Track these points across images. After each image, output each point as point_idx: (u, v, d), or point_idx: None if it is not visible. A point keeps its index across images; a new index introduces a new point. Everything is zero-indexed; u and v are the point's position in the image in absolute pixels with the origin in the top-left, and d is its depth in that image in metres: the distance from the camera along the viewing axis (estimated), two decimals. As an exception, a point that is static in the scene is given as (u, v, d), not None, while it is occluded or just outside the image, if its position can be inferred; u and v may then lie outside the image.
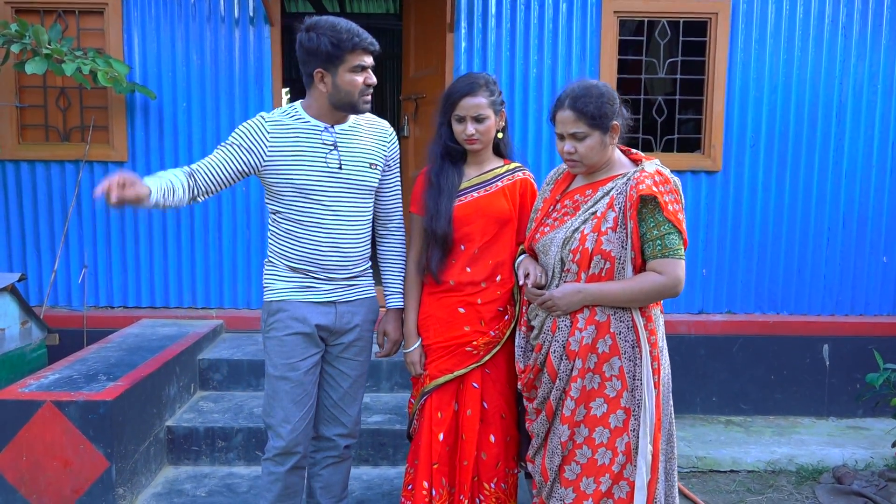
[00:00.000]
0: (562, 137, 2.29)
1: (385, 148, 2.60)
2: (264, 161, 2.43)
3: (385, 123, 2.66)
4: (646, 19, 4.62)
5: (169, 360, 3.63)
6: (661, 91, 4.94)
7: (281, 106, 4.71)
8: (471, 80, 2.53)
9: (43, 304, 4.48)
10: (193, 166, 2.40)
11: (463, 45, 4.54)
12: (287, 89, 9.43)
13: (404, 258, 2.73)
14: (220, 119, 4.56)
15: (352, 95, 2.40)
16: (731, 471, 3.94)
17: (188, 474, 3.51)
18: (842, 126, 4.65)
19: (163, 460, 3.55)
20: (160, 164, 4.56)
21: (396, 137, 2.68)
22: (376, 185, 2.59)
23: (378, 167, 2.57)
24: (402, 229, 2.75)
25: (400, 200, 2.73)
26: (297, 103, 2.51)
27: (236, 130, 2.46)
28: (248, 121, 2.46)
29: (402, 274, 2.73)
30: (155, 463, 3.45)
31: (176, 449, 3.58)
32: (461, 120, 2.51)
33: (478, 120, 2.50)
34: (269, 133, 2.42)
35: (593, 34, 4.56)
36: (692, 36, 4.61)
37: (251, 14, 4.52)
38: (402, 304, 2.71)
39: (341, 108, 2.44)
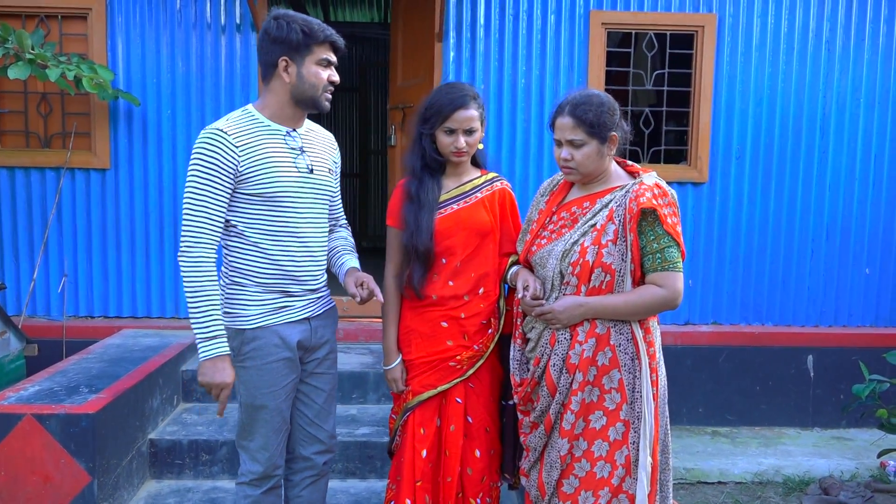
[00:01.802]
0: (559, 144, 2.28)
1: (335, 155, 2.56)
2: (238, 175, 2.24)
3: (329, 133, 2.60)
4: (633, 31, 4.65)
5: (152, 371, 3.56)
6: (648, 102, 4.97)
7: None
8: (462, 92, 2.48)
9: (21, 313, 4.38)
10: (207, 235, 2.21)
11: (451, 54, 4.53)
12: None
13: (351, 237, 2.67)
14: (205, 126, 4.49)
15: (315, 89, 2.29)
16: (719, 482, 3.95)
17: (171, 488, 3.44)
18: (825, 139, 4.71)
19: (145, 474, 3.48)
20: (143, 172, 4.50)
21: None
22: (334, 190, 2.52)
23: (333, 173, 2.51)
24: (348, 222, 2.70)
25: (342, 207, 2.68)
26: (250, 106, 2.36)
27: (203, 160, 2.20)
28: (207, 142, 2.21)
29: (353, 243, 2.64)
30: (137, 477, 3.37)
31: (159, 462, 3.51)
32: (452, 132, 2.45)
33: (469, 133, 2.46)
34: (236, 146, 2.22)
35: (581, 45, 4.57)
36: (679, 48, 4.65)
37: (238, 21, 4.48)
38: (357, 262, 2.57)
39: (303, 102, 2.32)
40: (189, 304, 2.20)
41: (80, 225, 4.52)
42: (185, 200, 2.22)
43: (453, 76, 4.52)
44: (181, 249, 2.21)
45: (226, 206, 2.25)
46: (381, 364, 2.71)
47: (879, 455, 3.80)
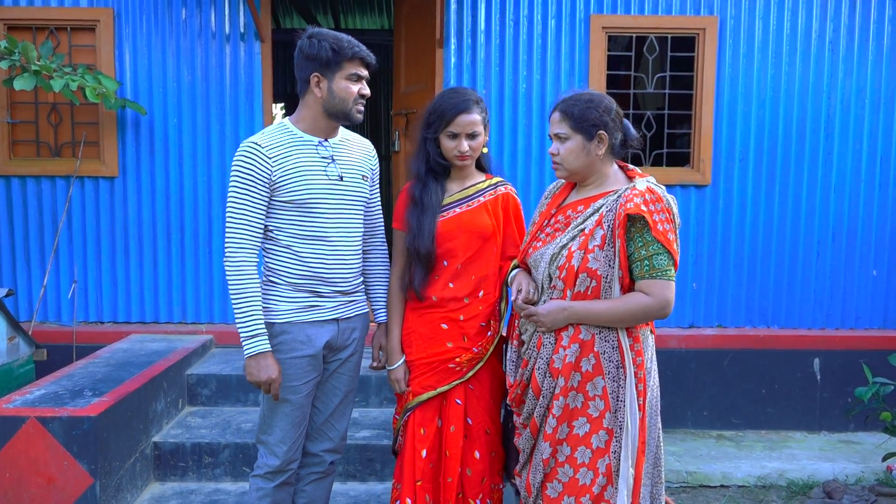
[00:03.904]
0: (551, 139, 2.31)
1: (371, 162, 2.65)
2: (272, 184, 2.39)
3: (367, 141, 2.70)
4: (634, 35, 4.65)
5: (156, 375, 3.62)
6: (651, 106, 4.97)
7: (272, 120, 4.75)
8: (465, 97, 2.52)
9: (32, 319, 4.47)
10: (247, 240, 2.37)
11: (452, 60, 4.57)
12: (282, 104, 9.48)
13: (389, 271, 2.74)
14: (210, 135, 4.58)
15: (346, 103, 2.41)
16: (722, 486, 3.93)
17: (174, 490, 3.49)
18: (830, 140, 4.67)
19: (149, 476, 3.53)
20: (150, 179, 4.58)
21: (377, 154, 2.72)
22: (368, 197, 2.62)
23: (367, 179, 2.60)
24: (385, 242, 2.77)
25: (381, 213, 2.75)
26: (285, 119, 2.50)
27: (240, 172, 2.36)
28: (243, 155, 2.37)
29: (388, 272, 2.73)
30: (141, 479, 3.43)
31: (162, 465, 3.57)
32: (455, 136, 2.49)
33: (471, 137, 2.50)
34: (269, 157, 2.37)
35: (582, 50, 4.59)
36: (680, 51, 4.64)
37: (242, 30, 4.55)
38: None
39: (334, 115, 2.44)
40: (233, 305, 2.38)
41: (89, 232, 4.61)
42: (227, 210, 2.40)
43: (454, 82, 4.56)
44: (225, 255, 2.39)
45: (264, 212, 2.41)
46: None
47: (885, 458, 3.77)
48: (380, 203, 2.73)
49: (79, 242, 4.62)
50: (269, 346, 2.39)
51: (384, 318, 2.72)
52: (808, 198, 4.70)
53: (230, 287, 2.38)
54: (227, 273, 2.38)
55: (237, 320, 2.38)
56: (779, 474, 4.00)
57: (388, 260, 2.76)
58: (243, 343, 2.38)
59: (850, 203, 4.71)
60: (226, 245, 2.39)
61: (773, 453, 4.30)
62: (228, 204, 2.39)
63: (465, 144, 2.49)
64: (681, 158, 4.79)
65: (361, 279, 2.64)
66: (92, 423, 2.98)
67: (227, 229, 2.39)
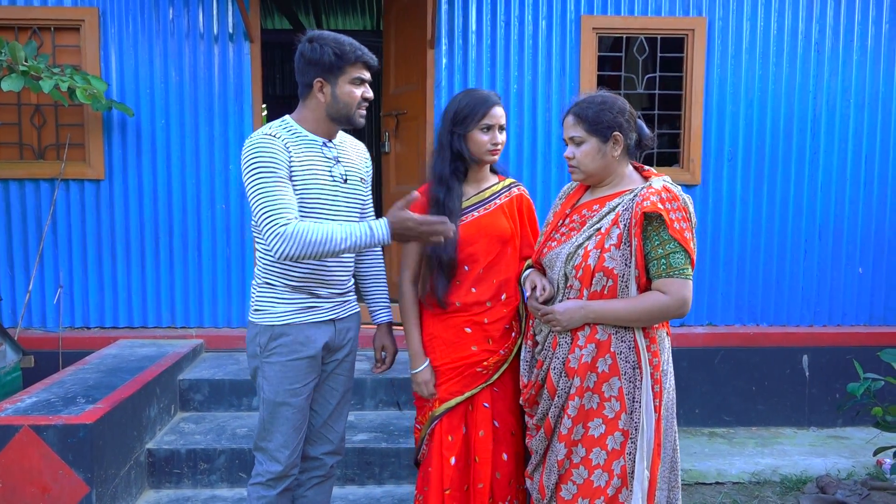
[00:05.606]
0: (566, 143, 2.30)
1: (367, 164, 2.64)
2: (289, 176, 2.31)
3: (361, 143, 2.68)
4: (624, 36, 4.68)
5: (149, 381, 3.56)
6: (640, 106, 4.99)
7: (261, 121, 4.69)
8: (490, 93, 2.55)
9: (17, 325, 4.38)
10: (287, 211, 2.21)
11: (444, 61, 4.56)
12: (264, 105, 9.39)
13: (384, 272, 2.72)
14: (198, 136, 4.52)
15: (349, 107, 2.38)
16: (717, 483, 3.95)
17: (170, 498, 3.44)
18: (816, 140, 4.74)
19: (143, 484, 3.47)
20: (137, 182, 4.50)
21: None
22: (365, 199, 2.60)
23: (365, 182, 2.58)
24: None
25: (375, 215, 2.72)
26: (288, 117, 2.44)
27: (263, 157, 2.25)
28: (261, 142, 2.27)
29: (386, 287, 2.72)
30: (135, 487, 3.37)
31: (157, 472, 3.51)
32: (489, 129, 2.48)
33: (502, 130, 2.52)
34: (287, 149, 2.31)
35: (572, 50, 4.60)
36: (669, 52, 4.68)
37: (230, 30, 4.50)
38: (390, 317, 2.71)
39: (337, 119, 2.41)
40: (346, 244, 2.20)
41: (74, 236, 4.52)
42: (256, 198, 2.22)
43: (446, 83, 4.55)
44: (280, 240, 2.17)
45: (293, 194, 2.26)
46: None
47: (875, 453, 3.80)
48: (372, 204, 2.71)
49: (64, 246, 4.53)
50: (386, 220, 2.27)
51: (383, 318, 2.69)
52: (796, 197, 4.76)
53: (325, 248, 2.17)
54: (303, 248, 2.16)
55: (358, 241, 2.21)
56: (772, 470, 4.04)
57: (383, 261, 2.75)
58: (380, 234, 2.22)
59: (836, 202, 4.77)
60: (269, 232, 2.18)
61: (765, 450, 4.34)
62: (257, 191, 2.22)
63: (499, 136, 2.50)
64: (670, 158, 4.83)
65: (353, 280, 2.63)
66: (87, 430, 2.92)
67: (264, 217, 2.19)
